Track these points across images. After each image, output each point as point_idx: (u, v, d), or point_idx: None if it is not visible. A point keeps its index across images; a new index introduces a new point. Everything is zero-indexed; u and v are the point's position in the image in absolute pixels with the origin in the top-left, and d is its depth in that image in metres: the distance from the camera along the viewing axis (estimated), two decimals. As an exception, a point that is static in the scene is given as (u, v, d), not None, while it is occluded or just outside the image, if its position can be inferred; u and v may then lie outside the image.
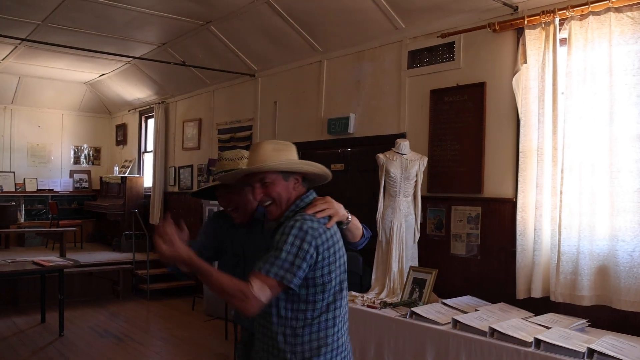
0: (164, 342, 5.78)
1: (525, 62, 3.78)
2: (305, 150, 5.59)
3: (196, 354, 5.33)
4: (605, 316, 3.34)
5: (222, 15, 5.85)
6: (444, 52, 4.55)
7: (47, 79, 9.65)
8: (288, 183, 1.88)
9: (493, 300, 3.77)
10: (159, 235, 1.71)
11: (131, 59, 7.70)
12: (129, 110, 10.31)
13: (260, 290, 1.67)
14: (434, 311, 3.45)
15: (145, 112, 9.93)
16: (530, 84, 3.78)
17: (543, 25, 3.68)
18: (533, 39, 3.76)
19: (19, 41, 6.96)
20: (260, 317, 1.87)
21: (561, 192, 3.49)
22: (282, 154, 1.89)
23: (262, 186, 1.86)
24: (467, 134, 4.30)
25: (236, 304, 1.69)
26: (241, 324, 2.36)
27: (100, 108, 10.97)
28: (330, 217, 1.84)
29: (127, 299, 7.66)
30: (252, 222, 2.23)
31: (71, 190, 10.66)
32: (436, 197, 4.48)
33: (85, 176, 10.94)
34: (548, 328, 3.05)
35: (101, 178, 10.44)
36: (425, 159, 4.28)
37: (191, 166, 8.26)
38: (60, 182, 10.58)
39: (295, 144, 2.03)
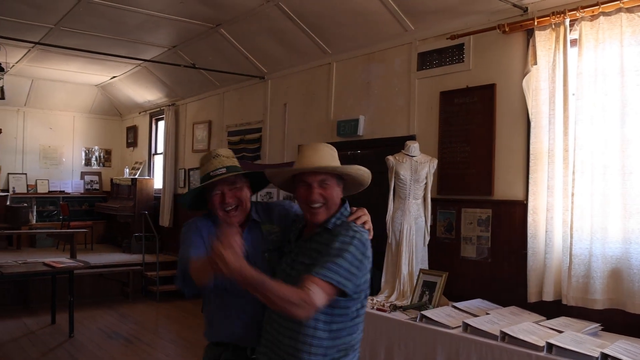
0: (173, 344, 5.80)
1: (535, 63, 3.75)
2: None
3: (205, 355, 5.33)
4: (618, 320, 3.30)
5: (232, 18, 5.88)
6: (453, 53, 4.54)
7: (59, 81, 9.75)
8: (339, 189, 1.92)
9: (504, 303, 3.74)
10: (226, 243, 1.57)
11: (142, 61, 7.76)
12: (139, 113, 10.38)
13: (318, 296, 1.67)
14: (444, 314, 3.42)
15: (155, 115, 9.99)
16: (540, 85, 3.75)
17: (553, 26, 3.65)
18: (543, 40, 3.73)
19: (32, 44, 7.04)
20: (282, 317, 1.83)
21: (572, 194, 3.45)
22: (336, 160, 1.94)
23: (320, 186, 1.86)
24: (477, 135, 4.28)
25: (293, 311, 1.65)
26: (229, 340, 2.10)
27: (111, 110, 11.06)
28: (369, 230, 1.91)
29: (136, 300, 7.68)
30: (249, 223, 2.20)
31: (82, 191, 10.75)
32: (446, 200, 4.46)
33: (96, 178, 11.03)
34: (560, 332, 3.01)
35: (112, 180, 10.52)
36: (435, 161, 4.25)
37: (201, 168, 8.28)
38: (71, 183, 10.68)
39: (305, 146, 2.04)
